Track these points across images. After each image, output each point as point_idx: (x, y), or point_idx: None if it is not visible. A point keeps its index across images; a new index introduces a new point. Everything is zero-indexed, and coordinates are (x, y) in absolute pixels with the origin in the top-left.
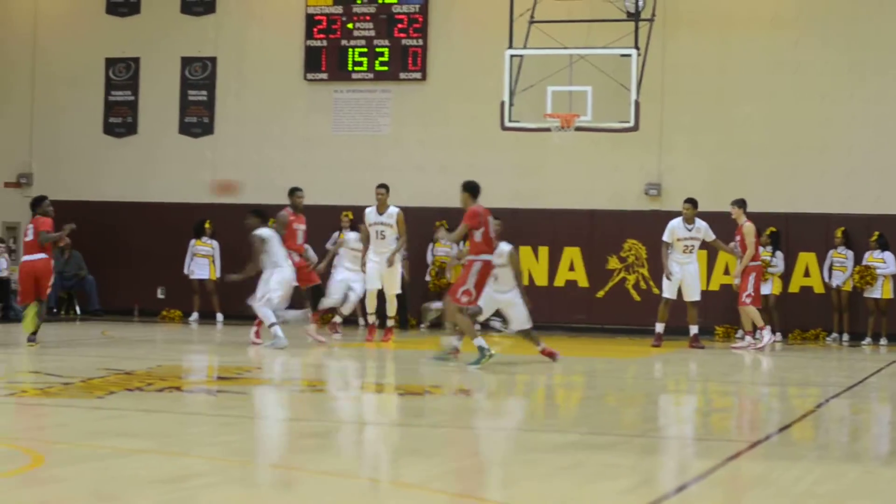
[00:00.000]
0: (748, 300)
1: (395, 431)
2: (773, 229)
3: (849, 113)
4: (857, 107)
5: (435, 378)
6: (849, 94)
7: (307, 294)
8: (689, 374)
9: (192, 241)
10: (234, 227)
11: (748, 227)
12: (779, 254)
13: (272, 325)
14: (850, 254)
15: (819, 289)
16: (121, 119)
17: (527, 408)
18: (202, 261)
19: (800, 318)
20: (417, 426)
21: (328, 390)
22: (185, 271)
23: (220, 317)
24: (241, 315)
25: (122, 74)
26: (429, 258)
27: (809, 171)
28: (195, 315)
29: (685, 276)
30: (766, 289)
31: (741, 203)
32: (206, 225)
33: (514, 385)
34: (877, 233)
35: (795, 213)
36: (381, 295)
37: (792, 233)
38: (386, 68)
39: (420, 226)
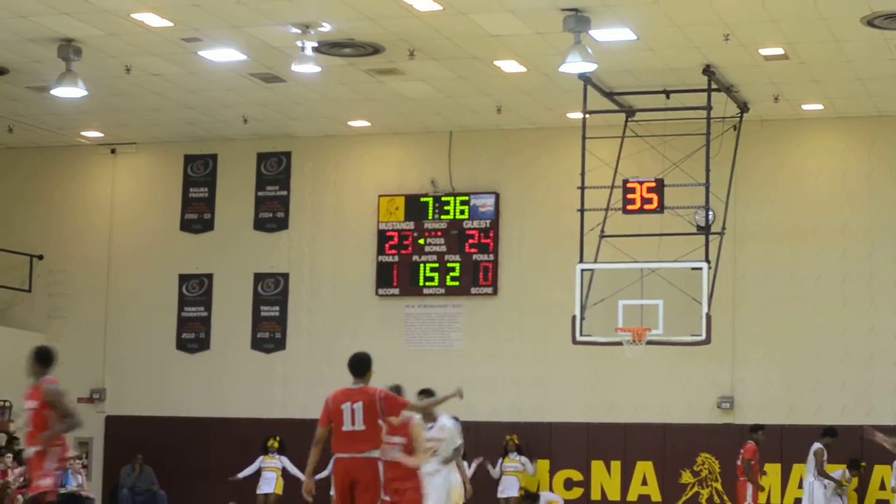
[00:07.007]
0: None
1: None
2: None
3: None
4: None
5: None
6: None
7: None
8: None
9: (261, 457)
10: (303, 443)
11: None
12: None
13: None
14: None
15: None
16: (194, 335)
17: None
18: (269, 475)
19: None
20: None
21: None
22: (258, 490)
23: None
24: None
25: (196, 290)
26: (496, 472)
27: (886, 381)
28: None
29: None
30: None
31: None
32: (270, 442)
33: None
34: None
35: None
36: None
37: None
38: (457, 283)
39: (493, 439)
